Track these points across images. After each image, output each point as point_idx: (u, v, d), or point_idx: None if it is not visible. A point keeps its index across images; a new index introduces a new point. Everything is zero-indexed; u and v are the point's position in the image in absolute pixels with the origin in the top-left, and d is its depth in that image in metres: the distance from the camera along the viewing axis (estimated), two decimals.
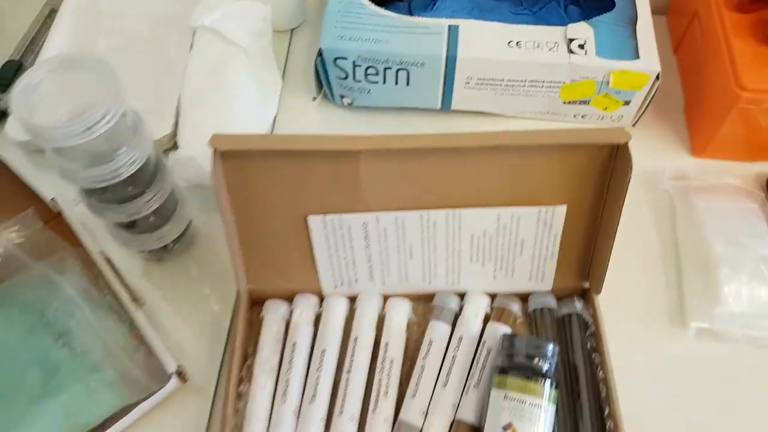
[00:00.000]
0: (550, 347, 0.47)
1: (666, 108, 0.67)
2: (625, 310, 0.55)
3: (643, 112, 0.63)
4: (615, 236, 0.47)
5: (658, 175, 0.61)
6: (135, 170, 0.46)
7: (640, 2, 0.62)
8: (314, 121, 0.67)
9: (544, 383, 0.46)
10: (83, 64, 0.43)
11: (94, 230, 0.57)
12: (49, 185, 0.56)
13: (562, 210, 0.49)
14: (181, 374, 0.50)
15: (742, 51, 0.57)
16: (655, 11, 0.73)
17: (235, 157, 0.45)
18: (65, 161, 0.44)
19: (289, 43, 0.73)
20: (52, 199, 0.57)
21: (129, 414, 0.49)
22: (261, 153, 0.45)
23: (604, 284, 0.52)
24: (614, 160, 0.46)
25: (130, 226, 0.52)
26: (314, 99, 0.67)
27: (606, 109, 0.62)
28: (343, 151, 0.45)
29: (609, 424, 0.48)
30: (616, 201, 0.46)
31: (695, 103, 0.65)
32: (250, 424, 0.48)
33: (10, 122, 0.62)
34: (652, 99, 0.61)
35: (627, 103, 0.61)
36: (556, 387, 0.47)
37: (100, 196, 0.48)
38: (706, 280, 0.54)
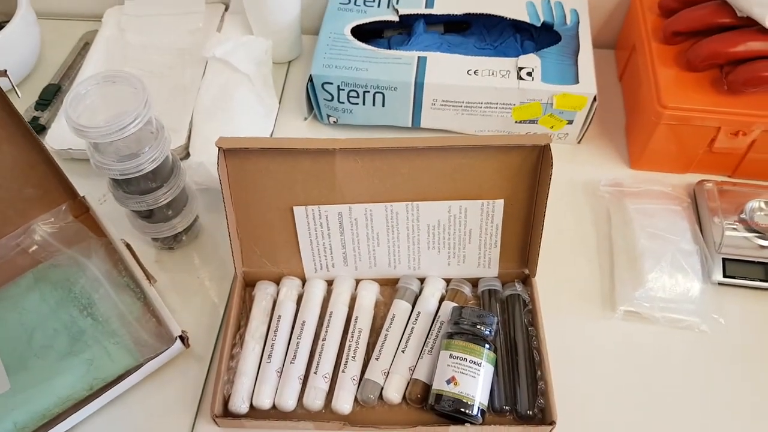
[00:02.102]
0: (491, 318, 0.56)
1: (611, 127, 0.77)
2: (565, 294, 0.64)
3: (586, 130, 0.73)
4: (543, 225, 0.57)
5: (597, 184, 0.71)
6: (155, 167, 0.57)
7: (582, 37, 0.73)
8: (305, 137, 0.77)
9: (483, 346, 0.55)
10: (120, 79, 0.55)
11: (115, 224, 0.68)
12: (80, 187, 0.68)
13: (500, 203, 0.59)
14: (184, 339, 0.59)
15: (666, 76, 0.67)
16: (605, 46, 0.85)
17: (236, 156, 0.56)
18: (100, 156, 0.55)
19: (287, 73, 0.85)
20: (82, 197, 0.69)
21: (140, 370, 0.58)
22: (256, 151, 0.56)
23: (549, 273, 0.62)
24: (541, 161, 0.56)
25: (148, 215, 0.63)
26: (305, 119, 0.78)
27: (552, 127, 0.72)
28: (322, 150, 0.56)
29: (540, 384, 0.57)
30: (544, 195, 0.56)
31: (633, 122, 0.75)
32: (240, 378, 0.58)
33: (50, 134, 0.74)
34: (592, 118, 0.71)
35: (570, 122, 0.72)
36: (494, 351, 0.56)
37: (126, 187, 0.59)
38: (633, 270, 0.64)
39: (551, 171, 0.54)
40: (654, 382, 0.59)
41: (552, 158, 0.54)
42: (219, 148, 0.55)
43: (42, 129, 0.77)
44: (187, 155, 0.72)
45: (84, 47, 0.86)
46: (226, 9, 0.86)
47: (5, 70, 0.51)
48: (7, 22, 0.79)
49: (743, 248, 0.64)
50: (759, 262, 0.63)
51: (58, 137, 0.73)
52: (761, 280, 0.63)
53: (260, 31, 0.80)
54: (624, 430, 0.57)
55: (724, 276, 0.63)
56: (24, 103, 0.79)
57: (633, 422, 0.57)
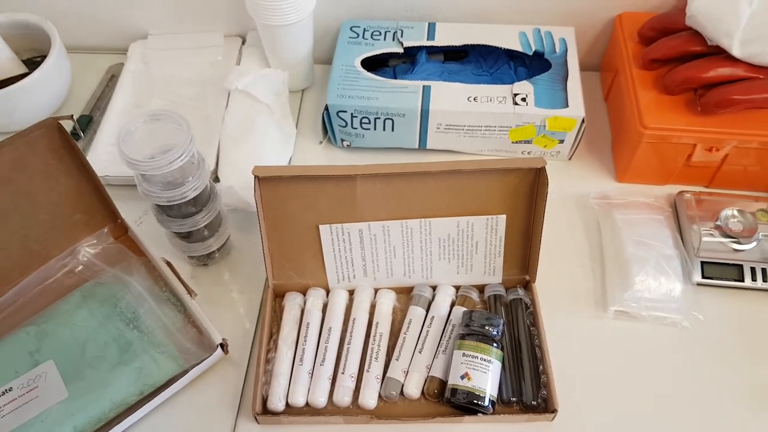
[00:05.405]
0: (498, 320, 0.64)
1: (597, 144, 0.85)
2: (561, 297, 0.72)
3: (576, 148, 0.81)
4: (541, 237, 0.65)
5: (587, 197, 0.79)
6: (196, 194, 0.64)
7: (570, 64, 0.81)
8: (321, 159, 0.85)
9: (492, 345, 0.62)
10: (164, 117, 0.62)
11: (151, 243, 0.74)
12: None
13: (503, 218, 0.66)
14: (224, 346, 0.66)
15: (646, 99, 0.75)
16: (591, 68, 0.92)
17: (268, 182, 0.63)
18: (148, 185, 0.62)
19: (301, 100, 0.92)
20: (122, 219, 0.75)
21: (185, 376, 0.64)
22: (286, 178, 0.63)
23: (547, 278, 0.69)
24: (538, 180, 0.64)
25: (187, 236, 0.70)
26: (320, 143, 0.86)
27: (545, 146, 0.80)
28: (344, 176, 0.63)
29: (543, 377, 0.64)
30: (542, 210, 0.64)
31: (618, 140, 0.83)
32: (276, 379, 0.65)
33: None
34: (581, 137, 0.79)
35: (561, 141, 0.79)
36: (501, 349, 0.63)
37: (169, 211, 0.66)
38: (622, 274, 0.71)
39: (547, 189, 0.62)
40: (643, 373, 0.67)
41: (547, 178, 0.62)
42: (255, 177, 0.62)
43: None
44: (216, 180, 0.79)
45: (111, 79, 0.93)
46: (243, 42, 0.93)
47: (71, 115, 0.58)
48: (40, 57, 0.85)
49: (719, 252, 0.72)
50: (733, 264, 0.71)
51: (95, 165, 0.79)
52: (735, 280, 0.71)
53: (276, 64, 0.87)
54: (617, 416, 0.64)
55: (703, 277, 0.71)
56: None
57: (625, 408, 0.65)
